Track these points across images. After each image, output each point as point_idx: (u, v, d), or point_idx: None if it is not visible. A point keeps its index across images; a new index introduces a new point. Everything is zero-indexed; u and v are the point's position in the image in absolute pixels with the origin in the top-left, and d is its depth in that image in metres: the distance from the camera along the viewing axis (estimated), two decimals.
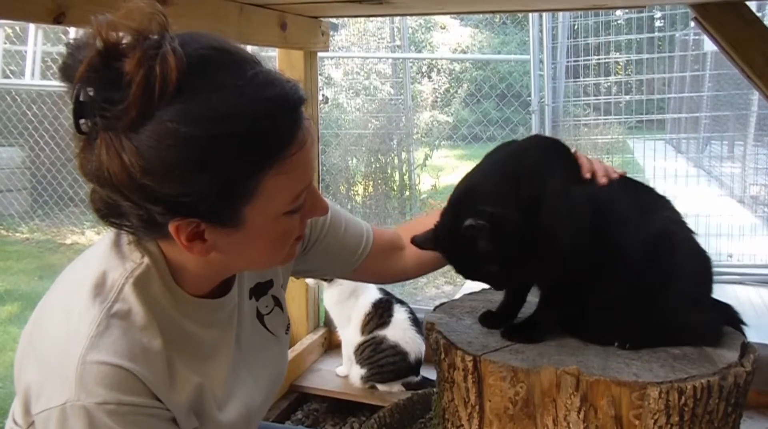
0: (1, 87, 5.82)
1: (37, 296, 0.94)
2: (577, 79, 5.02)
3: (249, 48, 5.04)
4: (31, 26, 5.27)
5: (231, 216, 0.84)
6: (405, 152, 5.39)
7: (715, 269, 1.14)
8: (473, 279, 1.12)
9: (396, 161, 5.32)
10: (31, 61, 5.41)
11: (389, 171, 5.24)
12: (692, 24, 2.35)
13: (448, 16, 8.98)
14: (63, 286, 0.93)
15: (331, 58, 5.89)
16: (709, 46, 4.82)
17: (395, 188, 5.34)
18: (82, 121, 0.79)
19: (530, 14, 4.52)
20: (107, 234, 0.94)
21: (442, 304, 1.33)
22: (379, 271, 1.35)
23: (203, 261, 0.90)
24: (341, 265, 1.28)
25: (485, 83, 6.26)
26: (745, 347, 1.08)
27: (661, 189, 1.18)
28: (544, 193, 1.06)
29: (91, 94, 0.77)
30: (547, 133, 4.57)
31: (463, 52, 9.64)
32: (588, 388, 0.98)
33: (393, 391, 2.29)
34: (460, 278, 4.47)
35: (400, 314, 2.32)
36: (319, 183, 2.50)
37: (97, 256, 0.92)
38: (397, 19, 5.56)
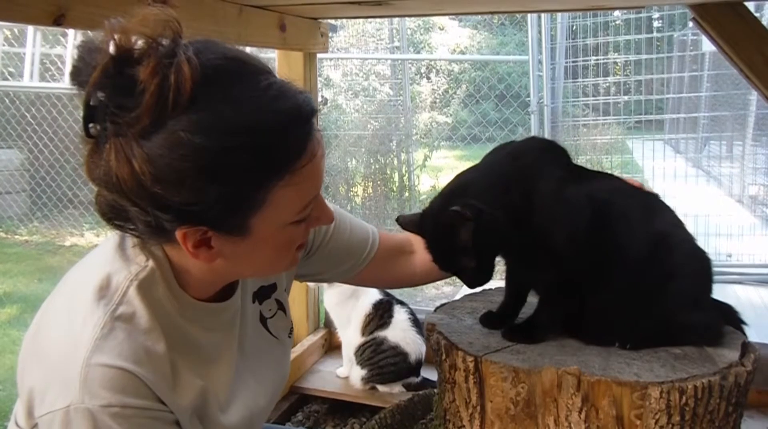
0: None
1: (37, 298, 0.94)
2: (576, 80, 5.03)
3: (248, 49, 5.04)
4: (30, 28, 5.26)
5: (239, 225, 0.85)
6: (404, 153, 5.40)
7: (714, 269, 1.14)
8: (447, 270, 1.13)
9: (395, 162, 5.33)
10: (30, 63, 5.40)
11: (388, 172, 5.25)
12: (690, 24, 2.35)
13: (446, 17, 8.98)
14: (67, 289, 0.93)
15: (330, 59, 5.89)
16: (707, 46, 4.82)
17: (395, 189, 5.34)
18: (91, 125, 0.79)
19: (529, 15, 4.53)
20: (111, 236, 0.94)
21: (442, 305, 1.33)
22: (384, 275, 1.35)
23: (207, 266, 0.90)
24: (344, 270, 1.28)
25: (484, 84, 6.27)
26: (746, 347, 1.09)
27: (660, 189, 1.18)
28: (539, 194, 1.07)
29: (102, 98, 0.77)
30: (546, 133, 4.58)
31: (462, 53, 9.64)
32: (589, 388, 0.98)
33: (393, 392, 2.29)
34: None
35: (400, 315, 2.32)
36: None
37: (101, 259, 0.92)
38: (395, 20, 5.56)
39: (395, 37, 5.88)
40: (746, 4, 1.69)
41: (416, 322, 2.33)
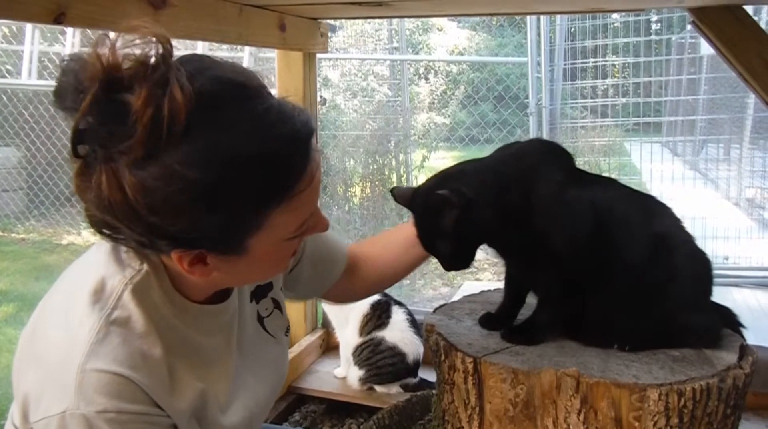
0: None
1: (34, 297, 0.94)
2: (575, 82, 5.03)
3: (247, 49, 4.99)
4: (29, 25, 5.25)
5: (235, 247, 0.84)
6: (402, 154, 5.39)
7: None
8: (426, 248, 1.15)
9: (393, 163, 5.32)
10: (28, 61, 5.39)
11: (387, 172, 5.24)
12: (689, 27, 2.36)
13: (445, 18, 8.98)
14: (62, 290, 0.93)
15: (329, 59, 5.89)
16: (705, 49, 4.84)
17: None
18: (80, 146, 0.76)
19: (528, 17, 4.53)
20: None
21: (441, 306, 1.33)
22: (345, 289, 1.34)
23: (203, 278, 0.89)
24: (322, 279, 1.27)
25: (483, 85, 6.28)
26: (744, 349, 1.09)
27: (657, 191, 1.19)
28: (539, 195, 1.08)
29: (90, 121, 0.75)
30: (545, 135, 4.58)
31: (461, 54, 9.64)
32: (588, 390, 0.98)
33: (391, 393, 2.29)
34: (457, 280, 4.48)
35: (398, 315, 2.32)
36: None
37: (95, 261, 0.91)
38: (394, 21, 5.56)
39: (394, 37, 5.88)
40: (745, 7, 1.70)
41: (414, 323, 2.33)
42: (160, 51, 0.75)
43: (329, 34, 2.34)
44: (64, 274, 0.95)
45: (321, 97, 3.04)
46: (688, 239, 1.13)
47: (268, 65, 4.92)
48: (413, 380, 2.32)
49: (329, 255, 1.26)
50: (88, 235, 5.18)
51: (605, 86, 5.21)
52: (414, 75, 8.60)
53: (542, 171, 1.11)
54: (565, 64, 4.92)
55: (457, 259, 1.14)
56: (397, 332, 2.29)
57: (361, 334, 2.31)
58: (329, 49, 2.43)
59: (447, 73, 9.09)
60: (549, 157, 1.15)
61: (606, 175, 1.27)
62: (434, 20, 9.40)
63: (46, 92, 5.45)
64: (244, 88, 0.80)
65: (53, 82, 0.80)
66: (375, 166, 5.12)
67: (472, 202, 1.05)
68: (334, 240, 1.28)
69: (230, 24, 1.71)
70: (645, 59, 4.82)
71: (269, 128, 0.79)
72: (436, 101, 8.41)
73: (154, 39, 0.75)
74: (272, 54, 2.53)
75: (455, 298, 1.43)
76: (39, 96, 5.54)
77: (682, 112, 5.67)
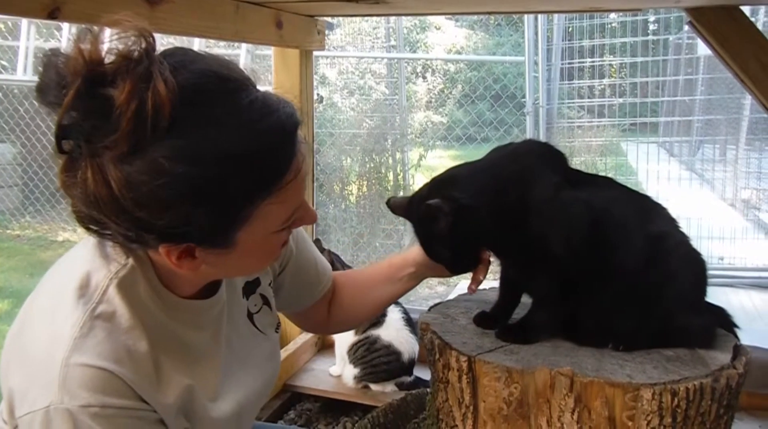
0: None
1: (29, 294, 0.94)
2: (572, 82, 5.03)
3: (244, 47, 4.98)
4: (24, 21, 5.23)
5: (224, 240, 0.84)
6: (399, 152, 5.38)
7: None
8: (428, 255, 1.17)
9: (390, 161, 5.31)
10: (24, 57, 5.36)
11: (383, 171, 5.23)
12: (686, 28, 2.36)
13: (443, 17, 8.98)
14: (48, 287, 0.92)
15: (326, 57, 5.88)
16: (702, 49, 4.84)
17: (389, 188, 5.33)
18: (64, 141, 0.76)
19: (525, 16, 4.53)
20: None
21: (436, 305, 1.33)
22: (321, 316, 1.32)
23: (192, 271, 0.89)
24: (304, 294, 1.26)
25: (480, 84, 6.26)
26: (738, 349, 1.09)
27: (653, 192, 1.19)
28: (535, 197, 1.08)
29: (74, 116, 0.74)
30: (541, 135, 4.58)
31: (458, 52, 9.64)
32: (582, 389, 0.98)
33: (386, 391, 2.29)
34: (453, 279, 4.47)
35: (393, 314, 2.32)
36: (313, 182, 2.49)
37: (81, 256, 0.91)
38: (392, 19, 5.55)
39: (391, 36, 5.87)
40: (742, 8, 1.70)
41: (409, 322, 2.33)
42: (143, 45, 0.75)
43: (326, 31, 2.34)
44: (51, 270, 0.95)
45: (318, 94, 3.04)
46: (684, 240, 1.13)
47: (265, 62, 4.91)
48: (408, 379, 2.32)
49: (314, 272, 1.25)
50: (83, 231, 5.17)
51: (602, 86, 5.22)
52: (411, 73, 8.59)
53: (537, 172, 1.11)
54: (562, 64, 4.93)
55: (460, 263, 1.17)
56: (393, 331, 2.29)
57: (356, 332, 2.31)
58: (326, 47, 2.43)
59: (444, 72, 9.08)
60: (543, 158, 1.15)
61: (602, 174, 1.27)
62: (432, 19, 9.39)
63: None
64: (228, 81, 0.80)
65: None
66: (372, 165, 5.11)
67: (464, 208, 1.07)
68: (323, 262, 1.28)
69: (226, 21, 1.70)
70: (642, 59, 4.83)
71: (254, 121, 0.79)
72: (433, 100, 8.41)
73: (136, 33, 0.75)
74: (269, 51, 2.53)
75: (451, 296, 1.43)
76: (34, 92, 5.51)
77: (678, 112, 5.67)
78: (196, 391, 0.94)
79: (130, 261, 0.88)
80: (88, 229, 0.83)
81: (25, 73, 5.42)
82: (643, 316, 1.08)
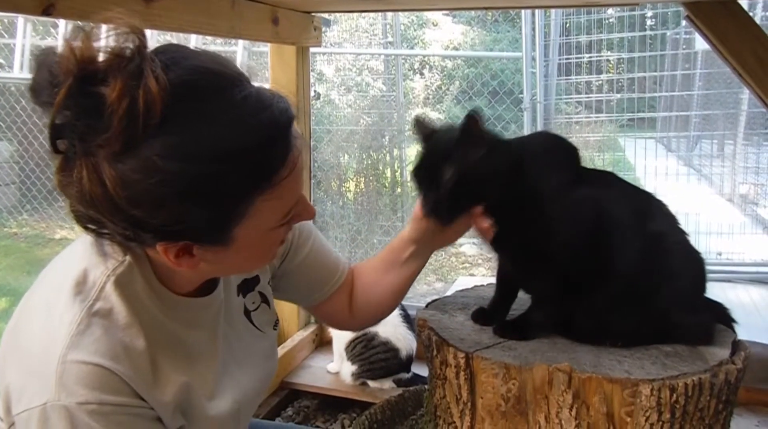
0: None
1: (26, 291, 0.93)
2: (569, 77, 5.02)
3: (241, 43, 4.96)
4: (20, 19, 5.21)
5: (221, 237, 0.84)
6: (397, 149, 5.38)
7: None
8: (422, 176, 1.07)
9: (388, 158, 5.31)
10: (20, 54, 5.35)
11: (381, 168, 5.23)
12: (684, 23, 2.37)
13: (440, 13, 8.96)
14: (45, 284, 0.92)
15: (323, 54, 5.87)
16: (700, 44, 4.83)
17: (387, 185, 5.33)
18: (59, 141, 0.76)
19: (523, 11, 4.53)
20: None
21: (434, 301, 1.33)
22: (341, 308, 1.28)
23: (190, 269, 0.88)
24: (313, 290, 1.24)
25: (477, 80, 6.25)
26: (737, 345, 1.09)
27: (651, 187, 1.18)
28: (546, 192, 1.07)
29: (68, 115, 0.74)
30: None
31: (455, 49, 9.62)
32: (580, 385, 0.98)
33: (384, 388, 2.29)
34: (450, 275, 4.48)
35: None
36: (310, 179, 2.49)
37: (78, 253, 0.90)
38: (389, 15, 5.54)
39: (389, 32, 5.86)
40: (740, 2, 1.69)
41: (407, 318, 2.33)
42: (135, 42, 0.74)
43: (324, 28, 2.33)
44: (48, 267, 0.95)
45: (315, 91, 3.03)
46: (683, 238, 1.12)
47: (262, 59, 4.89)
48: (406, 375, 2.32)
49: (325, 267, 1.23)
50: (81, 230, 5.16)
51: (600, 81, 5.21)
52: (409, 70, 8.58)
53: (552, 165, 1.10)
54: (559, 59, 4.92)
55: (446, 207, 1.04)
56: (390, 327, 2.29)
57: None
58: (323, 44, 2.42)
59: (442, 69, 9.07)
60: (557, 151, 1.15)
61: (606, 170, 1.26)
62: (429, 15, 9.38)
63: None
64: (220, 77, 0.80)
65: None
66: (369, 162, 5.11)
67: (500, 146, 1.04)
68: (335, 257, 1.25)
69: (222, 17, 1.70)
70: (639, 55, 4.82)
71: (248, 116, 0.79)
72: (430, 96, 8.39)
73: (128, 30, 0.74)
74: (266, 48, 2.52)
75: (448, 293, 1.43)
76: (28, 92, 5.49)
77: (676, 107, 5.66)
78: (193, 388, 0.93)
79: (128, 258, 0.88)
80: (86, 228, 0.83)
81: (22, 71, 5.40)
82: (641, 314, 1.08)
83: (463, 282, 3.60)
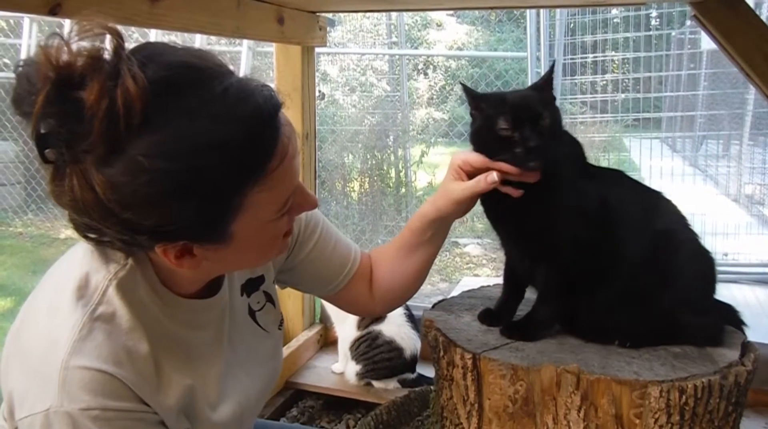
0: None
1: (31, 291, 0.93)
2: (574, 77, 5.01)
3: (246, 43, 4.96)
4: (26, 19, 5.23)
5: (218, 234, 0.83)
6: (401, 149, 5.38)
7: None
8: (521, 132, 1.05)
9: (392, 158, 5.31)
10: (26, 55, 5.37)
11: (385, 168, 5.23)
12: (688, 23, 2.35)
13: (444, 13, 8.96)
14: (47, 287, 0.92)
15: (328, 54, 5.88)
16: (705, 44, 4.82)
17: (391, 185, 5.33)
18: (47, 151, 0.75)
19: (527, 11, 4.52)
20: None
21: (440, 301, 1.32)
22: (360, 295, 1.27)
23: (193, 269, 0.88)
24: (324, 282, 1.23)
25: (482, 80, 6.24)
26: (746, 346, 1.08)
27: (656, 187, 1.18)
28: (567, 173, 1.07)
29: (52, 123, 0.73)
30: None
31: (460, 49, 9.61)
32: (588, 387, 0.97)
33: (389, 389, 2.29)
34: (455, 275, 4.47)
35: (395, 310, 2.31)
36: (315, 179, 2.48)
37: (80, 257, 0.90)
38: (393, 15, 5.55)
39: (393, 32, 5.86)
40: (746, 1, 1.69)
41: (411, 318, 2.32)
42: (112, 43, 0.74)
43: (328, 28, 2.33)
44: (50, 271, 0.94)
45: (320, 91, 3.03)
46: (693, 237, 1.12)
47: (267, 60, 4.90)
48: (411, 376, 2.31)
49: (336, 256, 1.22)
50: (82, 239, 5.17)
51: (604, 81, 5.19)
52: (413, 70, 8.58)
53: (569, 159, 1.10)
54: (564, 59, 4.91)
55: (549, 150, 1.04)
56: (394, 327, 2.28)
57: (359, 328, 2.31)
58: (328, 44, 2.42)
59: (446, 69, 9.07)
60: (570, 146, 1.15)
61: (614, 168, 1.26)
62: (433, 15, 9.38)
63: None
64: (199, 71, 0.78)
65: None
66: (373, 162, 5.11)
67: (558, 114, 1.09)
68: (346, 245, 1.24)
69: (227, 17, 1.69)
70: (644, 54, 4.81)
71: (230, 108, 0.77)
72: (434, 96, 8.39)
73: (104, 31, 0.74)
74: (271, 48, 2.52)
75: (454, 293, 1.42)
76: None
77: (681, 107, 5.65)
78: (197, 391, 0.93)
79: (130, 261, 0.88)
80: (86, 237, 0.82)
81: None
82: (651, 314, 1.07)
83: (468, 282, 3.59)
